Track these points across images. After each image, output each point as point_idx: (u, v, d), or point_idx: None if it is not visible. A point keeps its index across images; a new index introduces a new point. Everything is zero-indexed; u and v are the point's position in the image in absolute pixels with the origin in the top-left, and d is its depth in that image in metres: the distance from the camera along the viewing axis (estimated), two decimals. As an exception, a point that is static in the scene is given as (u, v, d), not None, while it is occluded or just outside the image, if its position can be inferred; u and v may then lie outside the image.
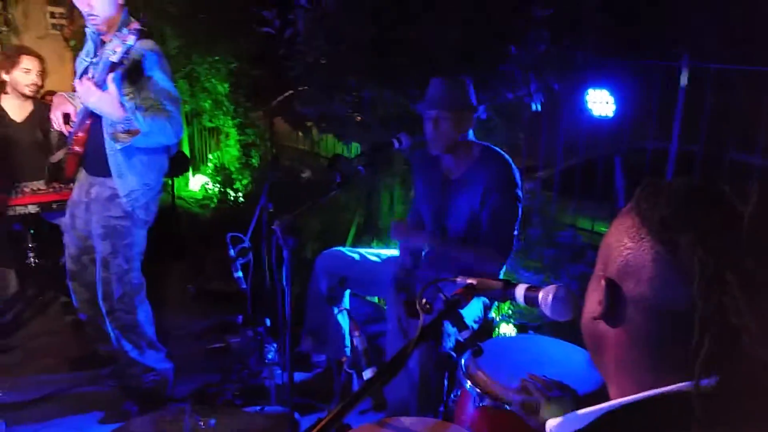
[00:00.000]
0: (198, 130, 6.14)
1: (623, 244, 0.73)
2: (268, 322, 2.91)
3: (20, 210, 3.07)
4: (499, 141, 2.78)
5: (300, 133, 5.13)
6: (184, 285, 3.97)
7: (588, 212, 3.48)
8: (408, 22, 2.69)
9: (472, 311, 2.37)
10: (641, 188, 0.75)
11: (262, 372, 2.83)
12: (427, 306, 1.32)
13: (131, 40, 2.25)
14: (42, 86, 3.42)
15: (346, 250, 2.86)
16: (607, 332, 0.76)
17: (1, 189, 3.11)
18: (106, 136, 2.44)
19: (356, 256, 2.79)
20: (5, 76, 3.31)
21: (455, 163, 2.48)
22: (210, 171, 5.76)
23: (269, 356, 2.86)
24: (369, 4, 2.71)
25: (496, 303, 2.66)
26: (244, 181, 5.41)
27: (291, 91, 3.70)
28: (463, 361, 1.87)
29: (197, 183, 5.91)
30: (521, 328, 2.85)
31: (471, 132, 2.46)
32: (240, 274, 2.59)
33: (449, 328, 2.21)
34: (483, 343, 1.50)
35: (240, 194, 5.38)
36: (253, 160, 5.46)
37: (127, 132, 2.35)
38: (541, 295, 1.23)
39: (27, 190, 3.17)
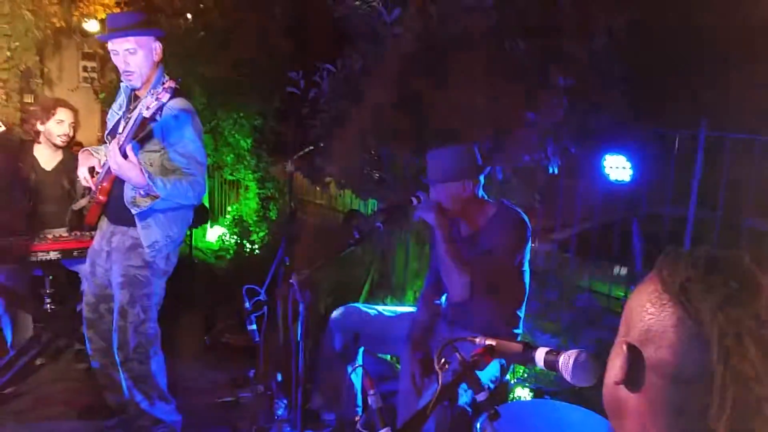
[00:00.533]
0: (219, 183, 6.26)
1: (645, 309, 0.74)
2: (279, 377, 2.88)
3: (42, 256, 3.11)
4: (516, 202, 2.81)
5: (318, 188, 5.23)
6: (197, 336, 3.96)
7: (604, 276, 3.46)
8: (430, 86, 2.77)
9: (488, 371, 2.33)
10: (663, 255, 0.77)
11: (271, 429, 2.78)
12: (446, 366, 1.31)
13: (165, 97, 2.31)
14: (73, 137, 3.53)
15: (361, 306, 2.85)
16: (628, 398, 0.75)
17: (26, 235, 3.17)
18: (126, 199, 2.48)
19: (372, 313, 2.78)
20: (40, 126, 3.42)
21: (467, 221, 2.51)
22: (228, 223, 5.84)
23: (279, 412, 2.82)
24: (392, 69, 2.80)
25: (512, 365, 2.62)
26: (261, 234, 5.47)
27: (311, 147, 3.78)
28: (478, 425, 1.83)
29: (214, 234, 5.98)
30: (537, 393, 2.80)
31: (480, 190, 2.48)
32: (254, 327, 2.58)
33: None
34: (500, 407, 1.48)
35: (256, 246, 5.42)
36: (271, 213, 5.54)
37: (148, 196, 2.40)
38: (561, 359, 1.22)
39: (50, 236, 3.22)
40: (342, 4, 3.10)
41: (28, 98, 5.69)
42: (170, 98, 2.34)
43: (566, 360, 1.21)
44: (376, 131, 3.09)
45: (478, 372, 1.41)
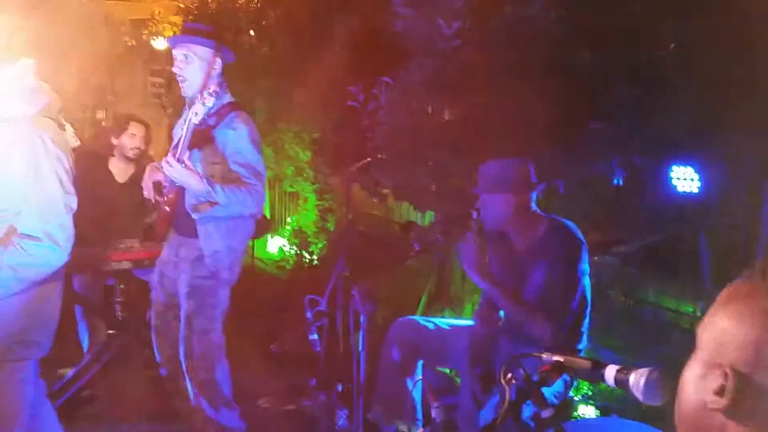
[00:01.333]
0: (279, 195, 6.40)
1: (754, 329, 0.66)
2: (339, 387, 2.91)
3: (115, 265, 3.26)
4: (579, 215, 2.76)
5: (375, 200, 5.27)
6: (259, 344, 4.05)
7: (671, 290, 3.34)
8: (490, 98, 2.77)
9: (553, 386, 2.29)
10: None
11: (332, 439, 2.81)
12: (512, 381, 1.30)
13: (210, 101, 2.39)
14: (145, 150, 3.68)
15: (419, 318, 2.85)
16: (725, 426, 0.69)
17: (100, 245, 3.33)
18: (187, 205, 2.57)
19: (430, 326, 2.77)
20: (114, 141, 3.59)
21: (520, 236, 2.48)
22: (288, 234, 5.96)
23: (340, 422, 2.85)
24: (451, 81, 2.82)
25: (575, 381, 2.57)
26: (320, 245, 5.55)
27: (369, 159, 3.83)
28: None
29: (275, 245, 6.11)
30: (603, 410, 2.72)
31: (533, 205, 2.45)
32: (315, 336, 2.62)
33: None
34: (565, 424, 1.45)
35: (315, 257, 5.51)
36: (329, 225, 5.62)
37: (208, 203, 2.47)
38: (632, 377, 1.19)
39: (122, 246, 3.37)
40: (401, 18, 3.14)
41: (101, 113, 5.99)
42: (230, 102, 2.41)
43: (637, 378, 1.19)
44: (434, 143, 3.10)
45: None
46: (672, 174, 3.09)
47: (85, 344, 3.69)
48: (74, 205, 1.90)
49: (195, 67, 2.56)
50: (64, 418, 3.06)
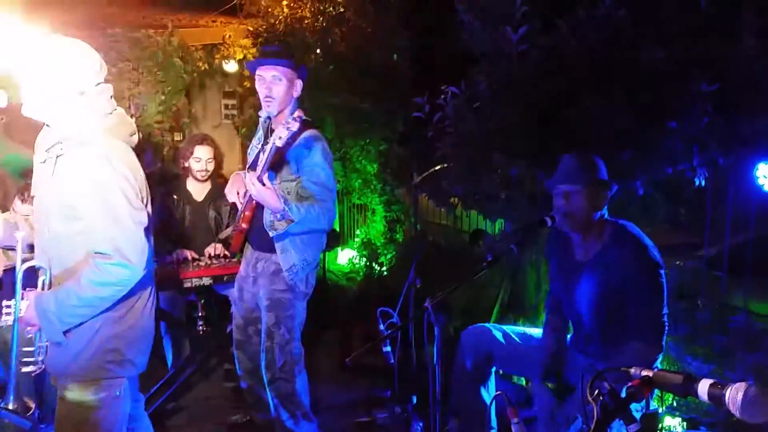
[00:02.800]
0: (347, 208, 6.49)
1: None
2: (414, 399, 2.90)
3: (196, 282, 3.39)
4: (659, 218, 2.65)
5: (443, 210, 5.25)
6: (333, 356, 4.11)
7: (760, 294, 3.14)
8: (560, 102, 2.71)
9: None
10: None
11: (409, 451, 2.81)
12: (599, 398, 1.26)
13: (295, 126, 2.46)
14: (215, 170, 3.81)
15: (492, 326, 2.81)
16: None
17: (183, 263, 3.48)
18: (265, 222, 2.65)
19: (503, 333, 2.73)
20: (185, 164, 3.75)
21: (586, 244, 2.41)
22: (357, 245, 6.02)
23: (415, 435, 2.84)
24: (520, 89, 2.78)
25: (656, 390, 2.45)
26: (389, 256, 5.58)
27: (436, 168, 3.82)
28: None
29: (345, 257, 6.19)
30: (690, 423, 2.59)
31: (605, 210, 2.38)
32: (389, 348, 2.63)
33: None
34: (653, 439, 1.39)
35: (384, 268, 5.54)
36: (398, 236, 5.64)
37: (284, 220, 2.55)
38: (728, 393, 1.13)
39: (202, 264, 3.51)
40: (466, 26, 3.12)
41: (178, 136, 6.28)
42: (300, 127, 2.48)
43: (734, 394, 1.12)
44: (503, 150, 3.06)
45: (628, 404, 1.34)
46: (757, 172, 2.92)
47: (169, 359, 3.85)
48: (144, 221, 1.92)
49: (282, 88, 2.66)
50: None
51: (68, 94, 1.88)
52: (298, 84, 2.71)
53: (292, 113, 2.64)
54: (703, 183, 2.75)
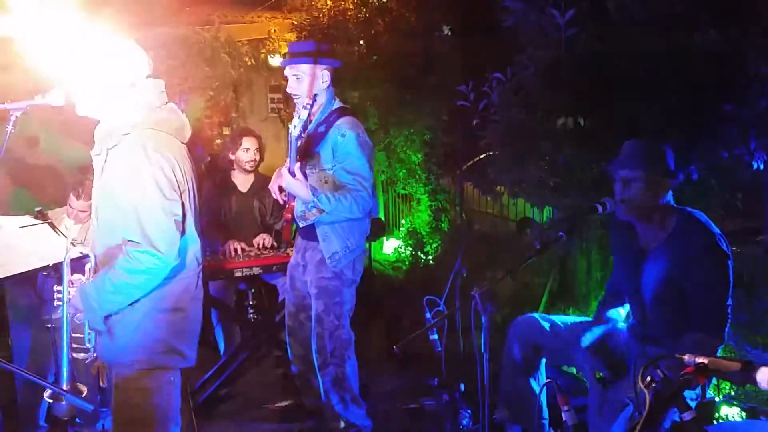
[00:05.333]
0: (392, 197, 6.51)
1: None
2: (462, 387, 2.90)
3: (246, 271, 3.47)
4: (715, 203, 2.57)
5: (489, 198, 5.21)
6: (381, 343, 4.14)
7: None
8: (610, 87, 2.65)
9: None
10: None
11: (458, 438, 2.81)
12: (652, 385, 1.24)
13: (304, 114, 2.50)
14: (261, 161, 3.89)
15: (539, 316, 2.79)
16: None
17: (233, 252, 3.56)
18: (296, 213, 2.70)
19: (551, 324, 2.70)
20: (231, 156, 3.84)
21: (651, 231, 2.34)
22: (403, 235, 6.04)
23: (464, 422, 2.84)
24: (567, 74, 2.72)
25: (713, 379, 2.39)
26: (434, 245, 5.57)
27: (482, 156, 3.79)
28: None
29: (390, 246, 6.22)
30: (750, 413, 2.51)
31: (670, 197, 2.31)
32: (435, 336, 2.63)
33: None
34: (708, 428, 1.36)
35: (430, 257, 5.54)
36: (443, 225, 5.62)
37: (315, 210, 2.59)
38: (790, 381, 1.10)
39: (252, 253, 3.58)
40: (512, 11, 3.08)
41: (227, 130, 6.41)
42: (339, 108, 2.49)
43: (795, 381, 1.09)
44: (551, 137, 3.01)
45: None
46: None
47: (221, 346, 3.96)
48: (177, 212, 1.93)
49: (305, 84, 2.71)
50: (204, 415, 3.33)
51: (119, 87, 1.94)
52: (324, 75, 2.73)
53: (329, 103, 2.72)
54: (761, 167, 2.65)
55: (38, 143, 4.49)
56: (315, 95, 2.69)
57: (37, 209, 2.60)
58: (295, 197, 2.79)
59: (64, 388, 1.85)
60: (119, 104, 1.95)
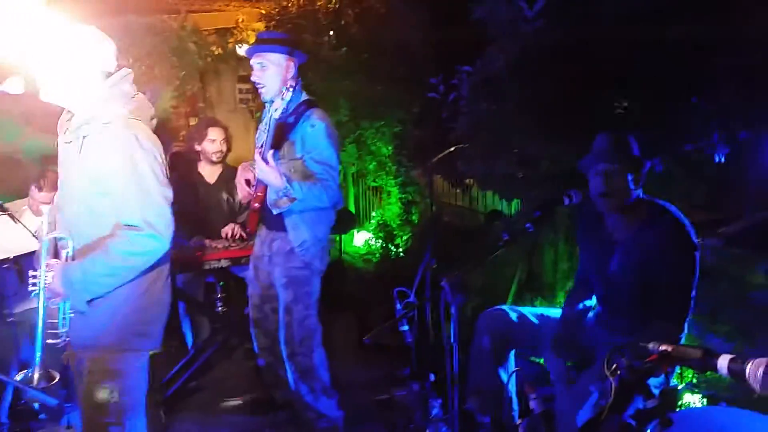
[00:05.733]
0: (362, 190, 6.49)
1: None
2: (432, 377, 2.92)
3: (214, 264, 3.43)
4: (678, 195, 2.62)
5: (458, 190, 5.24)
6: (350, 335, 4.15)
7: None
8: (577, 79, 2.68)
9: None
10: None
11: (428, 428, 2.83)
12: (617, 372, 1.26)
13: (288, 95, 2.51)
14: (228, 152, 3.84)
15: (508, 308, 2.82)
16: None
17: (199, 245, 3.52)
18: (268, 200, 2.70)
19: (520, 315, 2.74)
20: (198, 147, 3.78)
21: (622, 222, 2.38)
22: (373, 227, 6.04)
23: (433, 412, 2.86)
24: (536, 66, 2.74)
25: (677, 368, 2.45)
26: (405, 237, 5.59)
27: (452, 148, 3.80)
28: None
29: (361, 239, 6.21)
30: (711, 399, 2.58)
31: (640, 190, 2.36)
32: (406, 327, 2.65)
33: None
34: (672, 414, 1.39)
35: (401, 249, 5.56)
36: (413, 217, 5.64)
37: (286, 198, 2.59)
38: (749, 368, 1.13)
39: (219, 246, 3.54)
40: (480, 4, 3.09)
41: (194, 121, 6.29)
42: (306, 100, 2.49)
43: (754, 369, 1.12)
44: (519, 130, 3.04)
45: (645, 379, 1.34)
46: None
47: (189, 339, 3.92)
48: (170, 196, 2.01)
49: (271, 73, 2.71)
50: (173, 408, 3.30)
51: (93, 76, 1.97)
52: (290, 65, 2.72)
53: (298, 94, 2.71)
54: (722, 159, 2.71)
55: (-4, 133, 4.35)
56: (298, 80, 2.66)
57: None
58: (260, 188, 2.78)
59: (37, 373, 1.90)
60: (94, 92, 1.97)
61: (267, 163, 2.54)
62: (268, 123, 2.75)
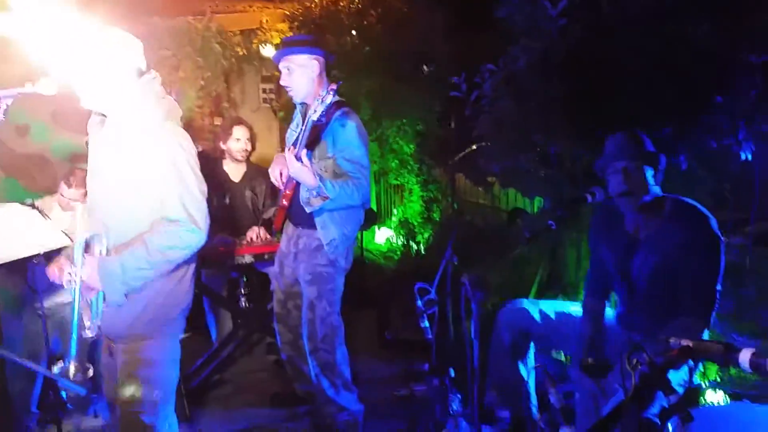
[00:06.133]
0: (384, 188, 6.52)
1: None
2: (452, 372, 2.93)
3: (239, 260, 3.48)
4: (703, 193, 2.60)
5: (480, 189, 5.23)
6: (372, 331, 4.18)
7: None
8: (601, 78, 2.67)
9: (677, 374, 2.19)
10: None
11: (447, 423, 2.84)
12: (637, 366, 1.26)
13: (328, 98, 2.54)
14: (252, 150, 3.89)
15: (528, 303, 2.82)
16: None
17: (225, 241, 3.57)
18: (301, 199, 2.73)
19: (540, 310, 2.74)
20: (223, 145, 3.84)
21: (643, 220, 2.37)
22: (394, 225, 6.06)
23: (454, 407, 2.87)
24: (559, 65, 2.74)
25: (700, 366, 2.43)
26: (426, 235, 5.60)
27: (474, 147, 3.80)
28: (670, 427, 1.73)
29: (382, 236, 6.24)
30: (734, 397, 2.55)
31: (658, 187, 2.34)
32: (426, 324, 2.67)
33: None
34: (693, 411, 1.39)
35: (422, 247, 5.57)
36: (435, 215, 5.65)
37: (319, 197, 2.61)
38: (771, 361, 1.13)
39: (244, 242, 3.59)
40: (504, 3, 3.09)
41: (218, 121, 6.37)
42: (333, 102, 2.54)
43: (776, 362, 1.12)
44: (542, 128, 3.03)
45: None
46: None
47: (213, 334, 3.98)
48: (206, 191, 2.09)
49: (298, 76, 2.76)
50: (196, 400, 3.36)
51: (127, 78, 2.02)
52: (315, 65, 2.76)
53: (326, 91, 2.74)
54: (749, 157, 2.68)
55: (28, 132, 4.46)
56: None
57: (28, 202, 2.61)
58: (289, 186, 2.81)
59: (72, 366, 1.94)
60: (128, 94, 2.02)
61: (301, 161, 2.57)
62: (305, 124, 2.76)
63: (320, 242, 2.78)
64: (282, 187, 2.88)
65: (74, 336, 1.99)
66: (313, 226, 2.78)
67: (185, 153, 2.03)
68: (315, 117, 2.58)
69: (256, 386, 3.61)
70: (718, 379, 2.65)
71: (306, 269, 2.83)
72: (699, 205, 2.29)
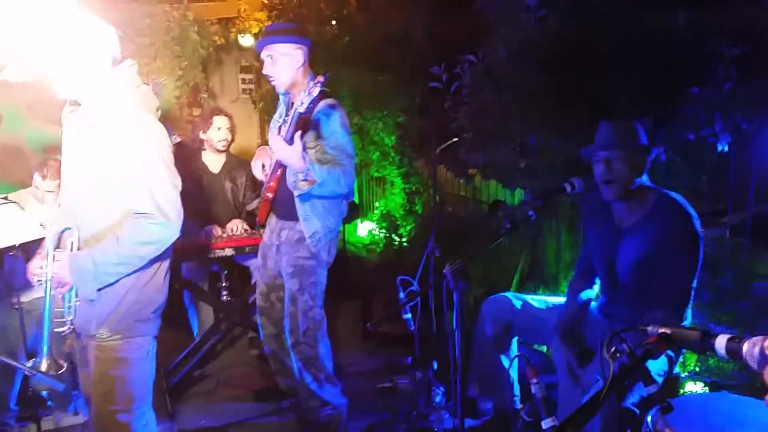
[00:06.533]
0: (366, 180, 6.50)
1: None
2: (435, 365, 2.94)
3: (219, 253, 3.44)
4: (681, 184, 2.63)
5: (462, 181, 5.24)
6: (355, 324, 4.17)
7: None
8: (580, 68, 2.68)
9: (657, 364, 2.22)
10: None
11: (431, 415, 2.86)
12: (617, 355, 1.27)
13: (315, 91, 2.50)
14: (232, 141, 3.85)
15: (511, 296, 2.84)
16: None
17: (204, 233, 3.53)
18: (288, 183, 2.69)
19: (523, 303, 2.76)
20: (203, 135, 3.79)
21: (628, 210, 2.39)
22: (376, 217, 6.05)
23: (437, 399, 2.89)
24: (538, 55, 2.74)
25: (681, 357, 2.47)
26: (408, 227, 5.61)
27: (455, 139, 3.80)
28: (649, 418, 1.75)
29: (364, 229, 6.23)
30: (712, 387, 2.60)
31: (646, 176, 2.36)
32: (409, 315, 2.67)
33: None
34: (672, 400, 1.41)
35: (404, 239, 5.57)
36: (417, 207, 5.65)
37: (306, 181, 2.58)
38: (746, 346, 1.14)
39: (225, 235, 3.56)
40: (483, -7, 3.09)
41: (196, 111, 6.29)
42: (320, 92, 2.52)
43: (751, 347, 1.14)
44: (522, 119, 3.04)
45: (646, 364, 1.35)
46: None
47: (195, 328, 3.94)
48: (179, 184, 2.02)
49: (281, 65, 2.71)
50: (178, 396, 3.33)
51: (102, 66, 1.97)
52: (298, 54, 2.72)
53: (311, 81, 2.70)
54: (725, 149, 2.71)
55: (1, 122, 4.36)
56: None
57: (2, 196, 2.56)
58: (273, 177, 2.79)
59: (45, 363, 1.91)
60: (103, 82, 1.97)
61: (291, 143, 2.51)
62: (291, 115, 2.67)
63: (302, 235, 2.76)
64: (265, 180, 2.85)
65: (46, 331, 1.95)
66: (295, 218, 2.76)
67: (157, 144, 1.96)
68: (302, 109, 2.54)
69: (238, 381, 3.59)
70: (697, 370, 2.69)
71: (288, 262, 2.81)
72: (683, 200, 2.31)
